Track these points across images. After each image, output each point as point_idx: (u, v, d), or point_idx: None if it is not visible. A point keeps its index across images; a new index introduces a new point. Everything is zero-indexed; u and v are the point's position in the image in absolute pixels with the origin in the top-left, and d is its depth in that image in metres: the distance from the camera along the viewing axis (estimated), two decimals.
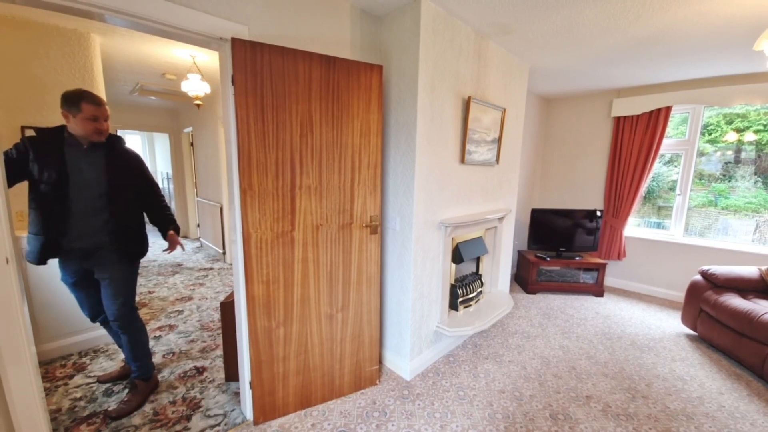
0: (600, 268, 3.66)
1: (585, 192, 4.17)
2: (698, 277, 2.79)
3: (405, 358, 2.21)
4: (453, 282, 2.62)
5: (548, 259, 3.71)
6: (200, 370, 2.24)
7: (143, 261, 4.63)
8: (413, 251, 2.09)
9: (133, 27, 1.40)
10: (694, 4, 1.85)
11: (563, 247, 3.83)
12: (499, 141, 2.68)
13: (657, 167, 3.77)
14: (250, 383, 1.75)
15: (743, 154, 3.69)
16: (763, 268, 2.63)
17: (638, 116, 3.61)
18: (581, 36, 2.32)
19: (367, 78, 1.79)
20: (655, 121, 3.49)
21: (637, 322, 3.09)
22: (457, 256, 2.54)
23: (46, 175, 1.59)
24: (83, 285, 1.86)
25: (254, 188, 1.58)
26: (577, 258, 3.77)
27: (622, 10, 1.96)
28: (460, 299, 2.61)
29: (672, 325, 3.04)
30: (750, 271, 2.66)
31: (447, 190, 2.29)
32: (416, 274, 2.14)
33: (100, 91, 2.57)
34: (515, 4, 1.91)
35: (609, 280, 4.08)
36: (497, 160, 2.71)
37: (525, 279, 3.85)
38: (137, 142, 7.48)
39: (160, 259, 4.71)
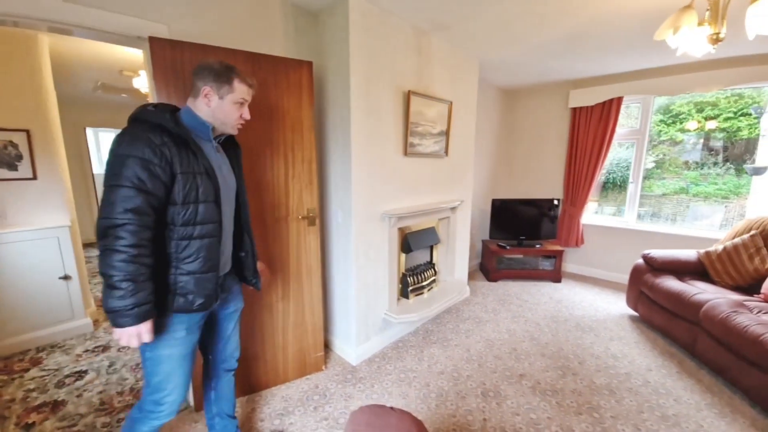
0: (557, 255, 3.79)
1: (546, 181, 4.28)
2: (640, 260, 2.93)
3: (352, 345, 2.30)
4: (404, 271, 2.71)
5: (508, 247, 3.82)
6: None
7: None
8: (354, 242, 2.17)
9: (51, 30, 1.43)
10: None
11: (524, 235, 3.95)
12: (447, 133, 2.75)
13: (626, 155, 3.87)
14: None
15: (713, 142, 3.82)
16: (702, 251, 2.76)
17: (593, 107, 3.71)
18: (517, 31, 2.39)
19: (297, 75, 1.84)
20: (608, 111, 3.60)
21: (586, 305, 3.23)
22: (406, 246, 2.63)
23: (201, 190, 1.14)
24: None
25: None
26: (537, 246, 3.89)
27: (545, 5, 2.03)
28: (411, 287, 2.70)
29: (618, 307, 3.18)
30: (688, 254, 2.80)
31: (391, 182, 2.36)
32: (359, 265, 2.22)
33: (51, 92, 2.59)
34: (443, 1, 1.97)
35: (568, 266, 4.22)
36: (446, 151, 2.79)
37: (487, 267, 3.97)
38: (110, 140, 7.39)
39: None
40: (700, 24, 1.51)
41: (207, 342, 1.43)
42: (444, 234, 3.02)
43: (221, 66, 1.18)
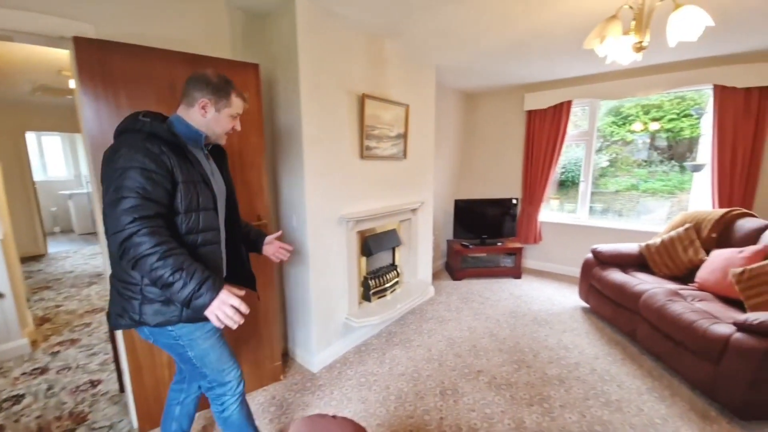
0: (517, 253, 3.93)
1: (507, 181, 4.44)
2: (590, 255, 3.09)
3: (312, 352, 2.27)
4: (366, 274, 2.71)
5: (471, 246, 3.92)
6: (95, 383, 2.16)
7: (58, 272, 4.32)
8: (311, 247, 2.13)
9: None
10: (554, 5, 2.02)
11: (486, 234, 4.06)
12: (404, 136, 2.78)
13: (582, 154, 4.06)
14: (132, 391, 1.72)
15: (659, 142, 4.11)
16: (643, 244, 2.96)
17: (545, 110, 3.89)
18: (464, 37, 2.46)
19: (242, 78, 1.79)
20: (560, 114, 3.78)
21: (543, 300, 3.37)
22: (366, 250, 2.62)
23: (201, 199, 1.16)
24: None
25: None
26: (499, 244, 4.02)
27: (487, 14, 2.10)
28: (373, 290, 2.70)
29: (572, 300, 3.34)
30: (631, 247, 2.99)
31: (348, 186, 2.35)
32: (317, 270, 2.19)
33: None
34: (388, 6, 1.99)
35: (529, 263, 4.39)
36: (405, 154, 2.82)
37: (452, 267, 4.04)
38: (57, 145, 6.89)
39: (78, 269, 4.41)
40: (626, 33, 1.62)
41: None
42: (406, 236, 3.05)
43: (220, 79, 1.20)
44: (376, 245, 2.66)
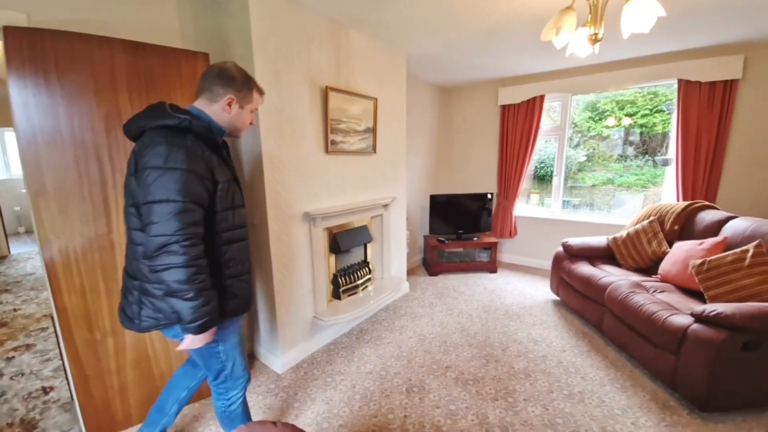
0: (492, 247, 3.94)
1: (483, 176, 4.44)
2: (560, 248, 3.12)
3: (277, 353, 2.20)
4: (335, 272, 2.65)
5: (446, 241, 3.91)
6: (47, 390, 2.05)
7: (18, 274, 4.10)
8: (273, 246, 2.06)
9: None
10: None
11: (462, 229, 4.06)
12: (373, 130, 2.73)
13: (566, 151, 4.09)
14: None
15: (633, 137, 4.17)
16: (610, 237, 3.00)
17: (519, 104, 3.89)
18: (432, 25, 2.41)
19: (191, 67, 1.70)
20: (532, 109, 3.79)
21: (516, 294, 3.40)
22: (335, 247, 2.57)
23: (238, 196, 1.21)
24: None
25: (48, 190, 1.44)
26: (475, 239, 4.02)
27: (453, 1, 2.06)
28: (343, 288, 2.65)
29: (544, 293, 3.38)
30: (599, 240, 3.03)
31: (313, 182, 2.28)
32: (280, 268, 2.13)
33: None
34: None
35: (504, 257, 4.42)
36: (374, 149, 2.77)
37: (429, 262, 4.03)
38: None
39: (39, 271, 4.19)
40: (584, 25, 1.60)
41: None
42: (377, 232, 3.01)
43: (242, 75, 1.20)
44: (345, 242, 2.61)
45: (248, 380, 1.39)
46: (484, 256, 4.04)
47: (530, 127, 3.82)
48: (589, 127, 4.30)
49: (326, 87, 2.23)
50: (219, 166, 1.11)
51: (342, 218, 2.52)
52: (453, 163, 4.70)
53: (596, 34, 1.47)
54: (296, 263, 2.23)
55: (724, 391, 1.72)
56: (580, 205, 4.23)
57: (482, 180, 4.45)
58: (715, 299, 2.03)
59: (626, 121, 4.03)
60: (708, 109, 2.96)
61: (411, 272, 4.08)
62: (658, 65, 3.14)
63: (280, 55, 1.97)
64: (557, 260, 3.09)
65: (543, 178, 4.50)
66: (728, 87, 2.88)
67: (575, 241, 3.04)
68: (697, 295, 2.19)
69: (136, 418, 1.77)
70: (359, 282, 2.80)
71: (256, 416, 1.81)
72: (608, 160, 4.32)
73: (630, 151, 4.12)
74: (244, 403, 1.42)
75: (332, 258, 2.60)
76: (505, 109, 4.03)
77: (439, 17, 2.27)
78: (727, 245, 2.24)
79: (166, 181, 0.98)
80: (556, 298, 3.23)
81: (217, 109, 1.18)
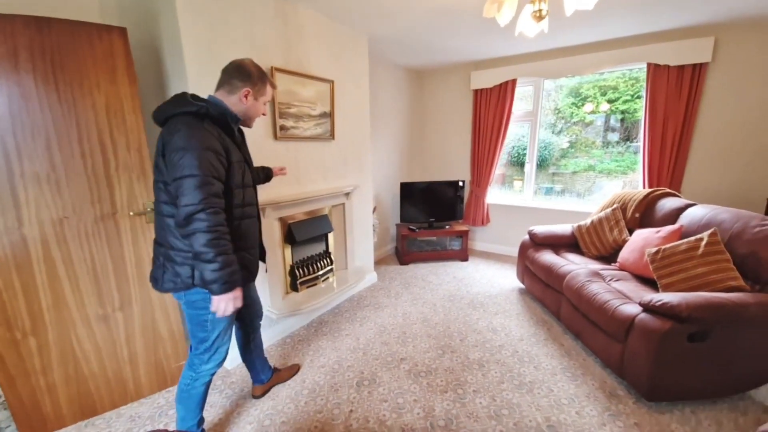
0: (463, 235, 3.90)
1: (457, 163, 4.36)
2: (526, 236, 3.09)
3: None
4: (292, 263, 2.57)
5: (416, 230, 3.85)
6: None
7: None
8: None
9: None
10: None
11: (433, 217, 4.00)
12: (331, 115, 2.60)
13: (544, 135, 4.02)
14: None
15: (614, 123, 4.10)
16: (575, 225, 2.97)
17: (491, 89, 3.78)
18: (385, 5, 2.27)
19: (105, 43, 1.54)
20: (504, 93, 3.69)
21: (484, 282, 3.37)
22: (291, 237, 2.47)
23: (248, 176, 1.39)
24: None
25: None
26: (447, 227, 3.97)
27: None
28: (301, 280, 2.57)
29: (511, 281, 3.36)
30: (564, 228, 3.00)
31: None
32: None
33: None
34: None
35: (478, 245, 4.39)
36: (332, 135, 2.64)
37: (400, 251, 3.97)
38: None
39: None
40: (532, 2, 1.50)
41: (244, 309, 1.58)
42: (339, 221, 2.91)
43: (258, 70, 1.37)
44: (301, 232, 2.51)
45: (222, 361, 1.48)
46: (455, 245, 4.00)
47: (502, 113, 3.73)
48: (572, 113, 4.23)
49: (272, 68, 2.09)
50: (232, 147, 1.27)
51: (296, 208, 2.42)
52: (427, 150, 4.59)
53: (540, 11, 1.37)
54: None
55: (670, 381, 1.71)
56: (563, 191, 4.20)
57: (457, 167, 4.37)
58: (668, 288, 2.01)
59: (604, 107, 3.97)
60: (676, 94, 2.90)
61: (382, 261, 4.03)
62: (627, 48, 3.06)
63: (216, 32, 1.82)
64: (523, 248, 3.06)
65: (525, 165, 4.42)
66: (697, 71, 2.82)
67: (540, 229, 3.00)
68: (653, 284, 2.18)
69: (69, 417, 1.71)
70: (320, 273, 2.72)
71: None
72: (591, 147, 4.28)
73: (611, 137, 4.07)
74: (206, 390, 1.51)
75: (288, 249, 2.50)
76: (477, 93, 3.91)
77: None
78: (683, 233, 2.22)
79: (189, 159, 1.12)
80: (522, 286, 3.22)
81: (234, 100, 1.33)
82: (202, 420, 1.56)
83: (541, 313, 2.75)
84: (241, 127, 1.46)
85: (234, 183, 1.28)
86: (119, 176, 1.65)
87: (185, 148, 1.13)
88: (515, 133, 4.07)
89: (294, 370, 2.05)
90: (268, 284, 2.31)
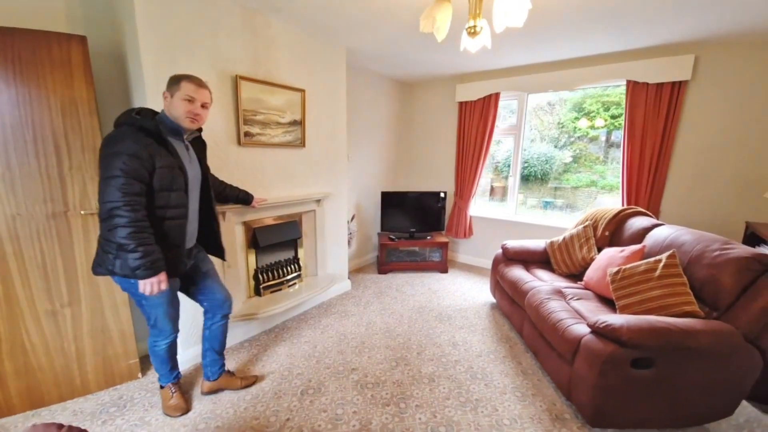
0: (443, 247, 3.87)
1: (442, 174, 4.35)
2: (499, 250, 3.05)
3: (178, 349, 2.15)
4: (257, 268, 2.59)
5: (396, 239, 3.85)
6: None
7: None
8: None
9: None
10: None
11: (414, 227, 3.99)
12: (302, 123, 2.64)
13: (549, 150, 3.99)
14: None
15: (615, 138, 4.03)
16: (548, 241, 2.92)
17: (475, 101, 3.79)
18: (359, 19, 2.32)
19: (63, 51, 1.62)
20: (488, 106, 3.69)
21: (458, 295, 3.33)
22: (256, 242, 2.50)
23: (179, 181, 1.48)
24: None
25: None
26: (428, 238, 3.95)
27: None
28: (265, 285, 2.59)
29: (485, 295, 3.31)
30: (537, 244, 2.95)
31: (222, 174, 2.19)
32: None
33: None
34: None
35: (460, 257, 4.35)
36: (303, 142, 2.69)
37: (379, 260, 3.97)
38: None
39: None
40: (473, 18, 1.51)
41: (199, 295, 1.81)
42: (310, 227, 2.94)
43: (176, 75, 1.50)
44: (267, 237, 2.54)
45: (174, 337, 1.72)
46: (436, 256, 3.97)
47: (486, 125, 3.72)
48: (575, 127, 4.19)
49: (237, 76, 2.15)
50: (161, 154, 1.40)
51: (260, 213, 2.45)
52: (415, 160, 4.61)
53: (474, 27, 1.38)
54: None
55: (614, 408, 1.65)
56: (564, 206, 4.14)
57: (441, 178, 4.36)
58: (624, 309, 1.95)
59: (600, 122, 3.94)
60: (654, 112, 2.86)
61: (361, 270, 4.02)
62: (608, 65, 3.03)
63: (179, 41, 1.89)
64: (495, 262, 3.02)
65: (527, 179, 4.40)
66: (676, 89, 2.78)
67: (513, 243, 2.96)
68: (614, 304, 2.12)
69: (18, 406, 1.76)
70: (287, 278, 2.74)
71: (131, 416, 1.77)
72: (594, 162, 4.22)
73: (612, 153, 4.01)
74: (170, 351, 1.75)
75: (253, 254, 2.53)
76: (462, 105, 3.92)
77: (362, 10, 2.17)
78: (646, 254, 2.16)
79: (115, 162, 1.29)
80: (494, 301, 3.16)
81: (165, 106, 1.49)
82: (178, 375, 1.84)
83: (507, 329, 2.69)
84: (186, 127, 1.52)
85: (158, 186, 1.40)
86: (72, 176, 1.72)
87: (112, 154, 1.31)
88: (510, 146, 4.05)
89: (250, 381, 2.01)
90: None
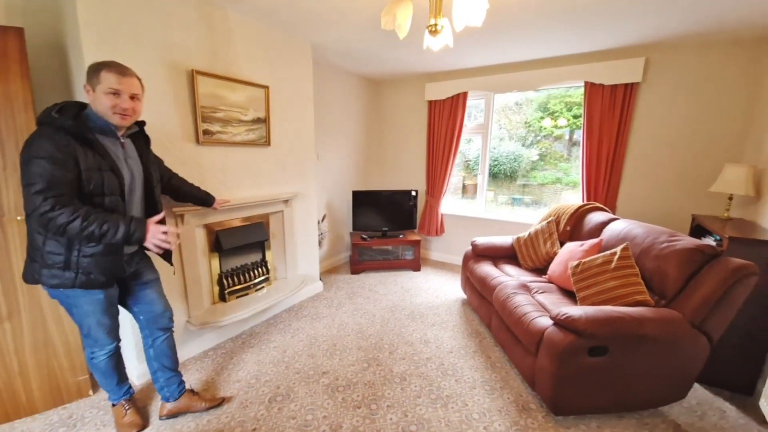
0: (416, 245, 3.90)
1: (413, 173, 4.38)
2: (469, 247, 3.10)
3: (133, 362, 2.02)
4: (221, 272, 2.48)
5: (368, 239, 3.82)
6: None
7: None
8: None
9: None
10: None
11: (386, 226, 3.98)
12: (266, 121, 2.55)
13: (516, 148, 4.07)
14: None
15: (577, 137, 4.19)
16: (515, 237, 3.01)
17: (444, 100, 3.83)
18: (318, 13, 2.26)
19: None
20: (457, 105, 3.74)
21: (430, 293, 3.36)
22: (219, 245, 2.39)
23: (107, 184, 1.32)
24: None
25: None
26: (401, 236, 3.96)
27: None
28: (230, 289, 2.49)
29: (456, 292, 3.36)
30: (504, 240, 3.03)
31: (180, 174, 2.07)
32: None
33: None
34: None
35: (433, 254, 4.40)
36: (268, 141, 2.60)
37: (352, 260, 3.93)
38: None
39: None
40: (434, 16, 1.51)
41: (134, 306, 1.64)
42: (278, 229, 2.85)
43: (94, 63, 1.31)
44: (231, 240, 2.43)
45: (115, 347, 1.59)
46: (408, 254, 3.99)
47: (454, 124, 3.77)
48: (540, 127, 4.34)
49: (193, 70, 2.04)
50: (87, 155, 1.26)
51: (222, 215, 2.35)
52: (386, 159, 4.60)
53: (435, 26, 1.38)
54: (160, 262, 2.04)
55: (574, 396, 1.72)
56: (532, 202, 4.27)
57: (413, 177, 4.38)
58: (584, 301, 2.04)
59: (562, 122, 4.10)
60: (610, 112, 3.01)
61: (334, 270, 3.97)
62: (568, 66, 3.16)
63: (121, 33, 1.75)
64: (465, 259, 3.07)
65: (497, 176, 4.50)
66: (629, 90, 2.93)
67: (482, 240, 3.03)
68: (575, 296, 2.21)
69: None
70: (255, 281, 2.65)
71: (91, 430, 1.64)
72: (559, 160, 4.39)
73: (575, 151, 4.19)
74: (112, 363, 1.61)
75: (216, 258, 2.42)
76: (431, 104, 3.96)
77: (323, 4, 2.12)
78: (603, 247, 2.27)
79: (30, 166, 1.18)
80: (464, 297, 3.22)
81: (90, 101, 1.32)
82: (129, 389, 1.73)
83: (477, 324, 2.75)
84: (117, 124, 1.35)
85: (88, 191, 1.28)
86: (7, 178, 1.56)
87: (29, 159, 1.19)
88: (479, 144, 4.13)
89: (216, 402, 1.83)
90: (186, 296, 2.21)
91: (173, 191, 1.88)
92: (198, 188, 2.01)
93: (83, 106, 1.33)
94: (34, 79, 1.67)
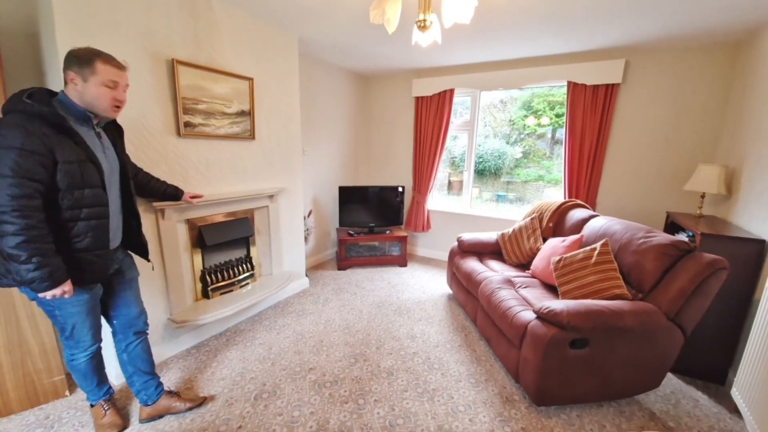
0: (402, 241, 3.91)
1: (400, 169, 4.38)
2: (455, 243, 3.14)
3: (111, 362, 1.95)
4: (204, 268, 2.43)
5: (354, 235, 3.82)
6: None
7: None
8: None
9: None
10: None
11: (373, 222, 3.98)
12: (250, 114, 2.50)
13: (501, 146, 4.11)
14: None
15: (560, 136, 4.26)
16: (500, 233, 3.06)
17: (431, 97, 3.84)
18: (307, 7, 2.22)
19: None
20: (443, 102, 3.76)
21: (417, 288, 3.39)
22: (202, 241, 2.34)
23: (86, 177, 1.26)
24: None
25: None
26: (387, 232, 3.97)
27: None
28: (214, 286, 2.44)
29: (443, 287, 3.40)
30: (490, 236, 3.08)
31: (159, 168, 2.01)
32: None
33: None
34: None
35: (420, 250, 4.44)
36: (252, 135, 2.55)
37: (339, 256, 3.92)
38: None
39: None
40: (423, 12, 1.51)
41: (111, 309, 1.58)
42: (263, 224, 2.81)
43: (83, 50, 1.24)
44: (214, 236, 2.38)
45: (96, 348, 1.53)
46: (395, 250, 4.01)
47: (441, 121, 3.80)
48: (524, 125, 4.41)
49: (174, 60, 1.97)
50: (64, 146, 1.18)
51: (205, 210, 2.29)
52: (372, 155, 4.59)
53: (424, 21, 1.38)
54: (140, 259, 1.98)
55: (556, 387, 1.77)
56: (516, 199, 4.35)
57: (400, 172, 4.39)
58: (565, 295, 2.10)
59: (545, 120, 4.17)
60: (591, 112, 3.09)
61: (321, 266, 3.95)
62: (552, 66, 3.22)
63: (97, 19, 1.67)
64: (451, 255, 3.11)
65: (482, 173, 4.56)
66: (610, 91, 3.02)
67: (468, 236, 3.07)
68: (557, 291, 2.27)
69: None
70: (239, 278, 2.60)
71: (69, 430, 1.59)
72: (542, 158, 4.48)
73: (557, 149, 4.27)
74: (92, 364, 1.55)
75: (199, 254, 2.37)
76: (419, 100, 3.96)
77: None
78: (584, 243, 2.34)
79: (2, 160, 1.09)
80: (450, 292, 3.26)
81: (70, 90, 1.24)
82: (109, 390, 1.68)
83: (462, 319, 2.79)
84: (110, 117, 1.35)
85: (66, 184, 1.21)
86: None
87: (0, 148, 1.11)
88: (465, 142, 4.17)
89: (197, 402, 1.78)
90: (167, 293, 2.15)
91: (139, 187, 1.78)
92: (165, 183, 1.92)
93: (52, 93, 1.26)
94: (4, 67, 1.58)
